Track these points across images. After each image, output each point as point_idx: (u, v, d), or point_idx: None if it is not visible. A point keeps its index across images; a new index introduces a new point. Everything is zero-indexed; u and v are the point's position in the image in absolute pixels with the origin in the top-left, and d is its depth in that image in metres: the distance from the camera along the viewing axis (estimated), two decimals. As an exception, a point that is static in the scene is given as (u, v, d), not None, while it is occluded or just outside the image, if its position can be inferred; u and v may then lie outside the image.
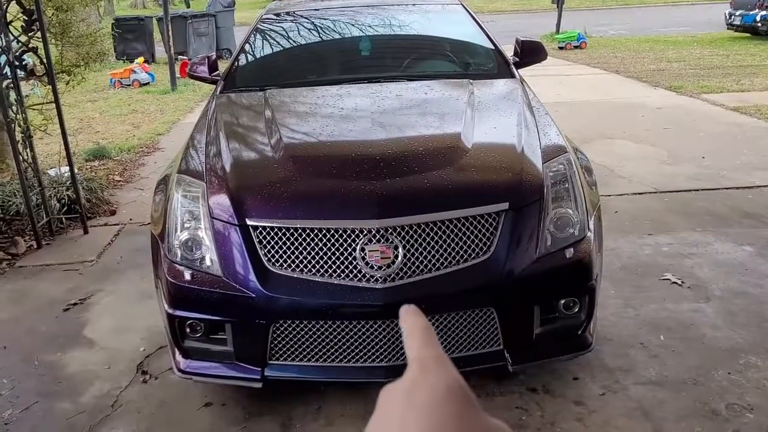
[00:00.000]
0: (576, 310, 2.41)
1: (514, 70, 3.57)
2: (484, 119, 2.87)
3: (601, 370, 2.71)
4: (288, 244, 2.25)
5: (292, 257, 2.25)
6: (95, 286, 3.71)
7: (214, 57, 3.95)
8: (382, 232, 2.21)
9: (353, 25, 4.11)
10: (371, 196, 2.26)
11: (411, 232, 2.23)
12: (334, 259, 2.22)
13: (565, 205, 2.43)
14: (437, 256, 2.24)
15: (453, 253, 2.25)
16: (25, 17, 4.10)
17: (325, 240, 2.23)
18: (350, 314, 2.23)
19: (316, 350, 2.30)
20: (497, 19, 21.12)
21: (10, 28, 4.07)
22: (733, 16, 13.74)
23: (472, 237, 2.26)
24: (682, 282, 3.42)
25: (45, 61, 4.21)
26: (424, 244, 2.23)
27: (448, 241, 2.25)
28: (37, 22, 4.10)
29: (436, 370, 0.43)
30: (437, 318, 2.28)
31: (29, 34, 4.16)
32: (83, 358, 3.00)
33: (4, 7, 3.97)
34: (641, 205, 4.56)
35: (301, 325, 2.27)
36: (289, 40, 4.05)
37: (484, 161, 2.55)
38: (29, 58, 4.27)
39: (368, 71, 3.78)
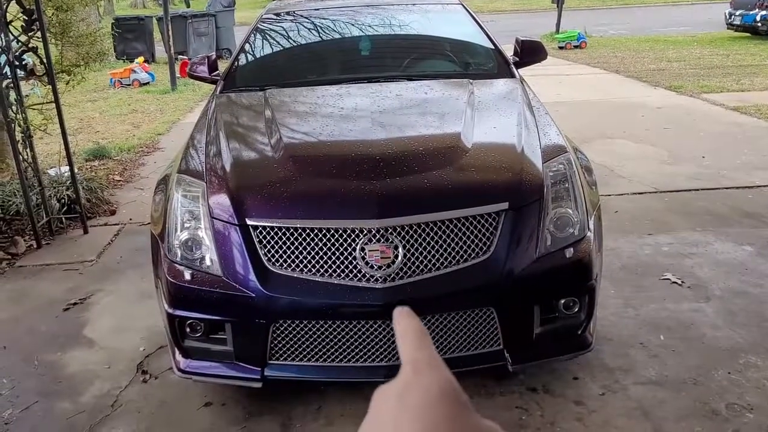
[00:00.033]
0: (576, 309, 2.41)
1: (514, 69, 3.57)
2: (484, 119, 2.87)
3: (601, 370, 2.71)
4: (288, 243, 2.25)
5: (292, 257, 2.25)
6: (95, 285, 3.71)
7: (214, 57, 3.95)
8: (382, 231, 2.21)
9: (353, 24, 4.11)
10: (371, 196, 2.26)
11: (411, 232, 2.23)
12: (334, 258, 2.22)
13: (565, 204, 2.43)
14: (437, 256, 2.24)
15: (453, 253, 2.25)
16: (25, 17, 4.10)
17: (325, 240, 2.23)
18: (350, 314, 2.23)
19: (316, 350, 2.30)
20: (497, 18, 21.11)
21: (10, 27, 4.07)
22: (733, 16, 13.74)
23: (472, 237, 2.26)
24: (682, 282, 3.42)
25: (45, 60, 4.21)
26: (424, 244, 2.23)
27: (448, 240, 2.25)
28: (37, 22, 4.10)
29: (429, 372, 0.43)
30: (437, 318, 2.28)
31: (29, 34, 4.16)
32: (83, 358, 3.00)
33: (4, 6, 3.97)
34: (641, 205, 4.56)
35: (301, 325, 2.27)
36: (289, 40, 4.05)
37: (484, 161, 2.55)
38: (29, 58, 4.27)
39: (368, 71, 3.78)
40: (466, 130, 2.67)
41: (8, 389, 2.79)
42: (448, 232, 2.25)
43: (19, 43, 4.17)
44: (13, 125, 4.09)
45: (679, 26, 16.94)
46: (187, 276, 2.34)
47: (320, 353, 2.31)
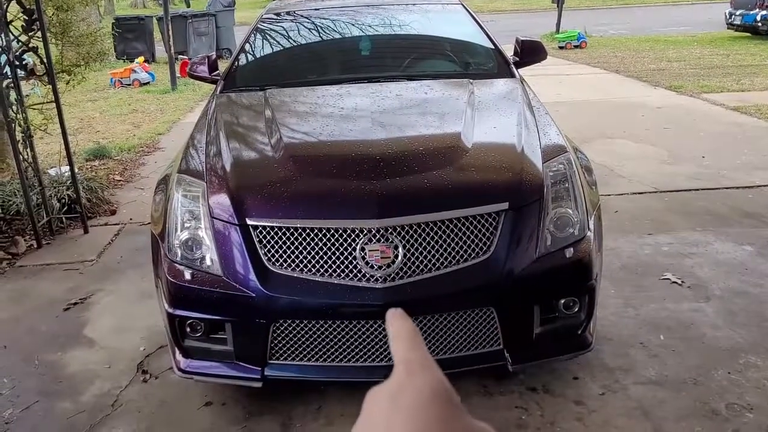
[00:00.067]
0: (576, 309, 2.41)
1: (514, 69, 3.57)
2: (484, 119, 2.87)
3: (601, 370, 2.71)
4: (288, 243, 2.25)
5: (292, 257, 2.25)
6: (95, 285, 3.71)
7: (214, 56, 3.95)
8: (382, 231, 2.21)
9: (353, 24, 4.11)
10: (371, 196, 2.27)
11: (411, 232, 2.23)
12: (334, 258, 2.22)
13: (565, 204, 2.43)
14: (437, 256, 2.24)
15: (453, 253, 2.25)
16: (25, 17, 4.10)
17: (325, 240, 2.23)
18: (350, 314, 2.23)
19: (316, 350, 2.30)
20: (497, 18, 21.11)
21: (11, 27, 4.07)
22: (733, 16, 13.74)
23: (472, 237, 2.27)
24: (682, 281, 3.42)
25: (45, 60, 4.22)
26: (424, 244, 2.23)
27: (448, 240, 2.25)
28: (38, 22, 4.10)
29: (422, 373, 0.43)
30: (437, 317, 2.28)
31: (29, 34, 4.16)
32: (83, 358, 3.00)
33: (5, 6, 3.97)
34: (641, 205, 4.56)
35: (301, 325, 2.27)
36: (289, 40, 4.05)
37: (484, 161, 2.55)
38: (29, 58, 4.27)
39: (368, 71, 3.78)
40: (467, 130, 2.67)
41: (9, 389, 2.79)
42: (448, 232, 2.25)
43: (20, 43, 4.17)
44: (13, 125, 4.10)
45: (680, 26, 16.93)
46: (188, 276, 2.34)
47: (320, 353, 2.31)
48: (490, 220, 2.29)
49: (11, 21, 4.09)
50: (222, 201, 2.39)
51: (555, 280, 2.38)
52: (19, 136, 4.17)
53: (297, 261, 2.24)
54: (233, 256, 2.30)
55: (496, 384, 2.63)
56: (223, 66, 4.07)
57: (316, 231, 2.24)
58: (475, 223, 2.27)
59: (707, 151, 5.78)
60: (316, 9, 4.23)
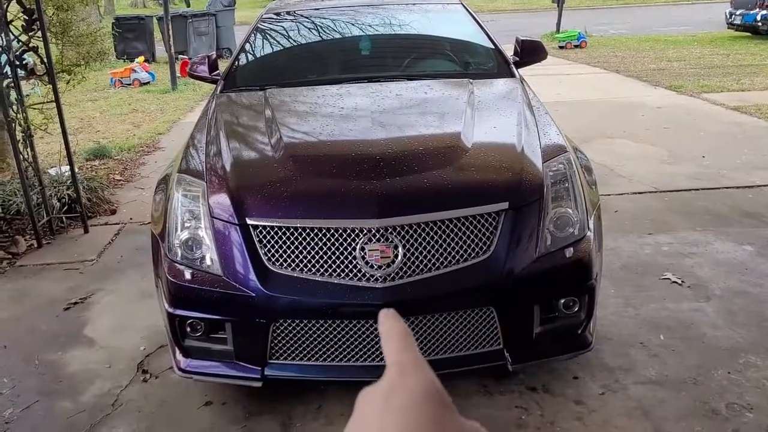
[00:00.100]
0: (576, 309, 2.41)
1: (514, 69, 3.57)
2: (484, 119, 2.87)
3: (601, 370, 2.71)
4: (288, 243, 2.26)
5: (292, 256, 2.25)
6: (96, 285, 3.71)
7: (214, 56, 3.95)
8: (382, 231, 2.21)
9: (353, 24, 4.11)
10: (371, 196, 2.27)
11: (411, 232, 2.23)
12: (334, 258, 2.22)
13: (564, 204, 2.43)
14: (437, 256, 2.24)
15: (453, 253, 2.25)
16: (25, 16, 4.10)
17: (325, 239, 2.24)
18: (350, 313, 2.23)
19: (316, 349, 2.31)
20: (497, 18, 21.11)
21: (11, 27, 4.07)
22: (733, 16, 13.74)
23: (472, 236, 2.27)
24: (682, 281, 3.42)
25: (45, 60, 4.22)
26: (424, 244, 2.23)
27: (448, 240, 2.25)
28: (38, 22, 4.10)
29: (414, 374, 0.44)
30: (437, 317, 2.28)
31: (30, 34, 4.16)
32: (84, 357, 3.01)
33: (5, 6, 3.97)
34: (641, 205, 4.56)
35: (301, 325, 2.27)
36: (290, 40, 4.05)
37: (484, 161, 2.55)
38: (30, 58, 4.27)
39: (368, 71, 3.78)
40: (466, 130, 2.67)
41: (9, 388, 2.79)
42: (448, 231, 2.25)
43: (20, 43, 4.17)
44: (13, 125, 4.10)
45: (680, 26, 16.93)
46: (188, 275, 2.34)
47: (320, 352, 2.31)
48: (490, 219, 2.29)
49: (11, 21, 4.09)
50: (222, 201, 2.39)
51: (555, 280, 2.38)
52: (19, 135, 4.17)
53: (297, 261, 2.25)
54: (233, 256, 2.30)
55: (496, 384, 2.63)
56: (223, 66, 4.07)
57: (316, 231, 2.24)
58: (475, 222, 2.27)
59: (707, 150, 5.78)
60: (316, 9, 4.23)
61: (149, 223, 2.92)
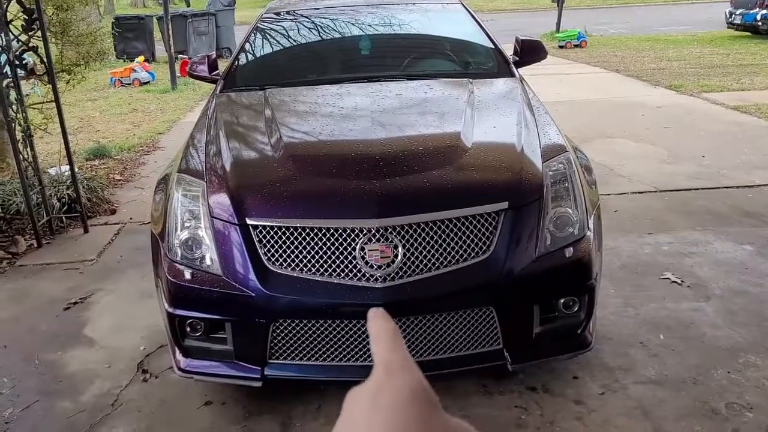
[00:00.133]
0: (575, 309, 2.41)
1: (514, 69, 3.57)
2: (484, 118, 2.87)
3: (601, 369, 2.71)
4: (288, 243, 2.26)
5: (292, 256, 2.25)
6: (95, 285, 3.71)
7: (214, 56, 3.95)
8: (381, 231, 2.21)
9: (353, 24, 4.11)
10: (371, 196, 2.27)
11: (411, 232, 2.23)
12: (333, 258, 2.22)
13: (564, 204, 2.43)
14: (437, 256, 2.24)
15: (453, 253, 2.25)
16: (25, 16, 4.10)
17: (324, 239, 2.24)
18: (350, 313, 2.23)
19: (316, 349, 2.31)
20: (497, 17, 21.10)
21: (11, 27, 4.07)
22: (733, 15, 13.74)
23: (472, 236, 2.27)
24: (682, 281, 3.42)
25: (45, 60, 4.21)
26: (423, 244, 2.23)
27: (448, 240, 2.25)
28: (38, 21, 4.10)
29: (401, 374, 0.44)
30: (437, 317, 2.28)
31: (29, 33, 4.16)
32: (83, 357, 3.01)
33: (5, 6, 3.97)
34: (641, 204, 4.56)
35: (301, 324, 2.27)
36: (289, 40, 4.05)
37: (484, 160, 2.55)
38: (29, 57, 4.27)
39: (368, 70, 3.78)
40: (466, 130, 2.67)
41: (9, 388, 2.79)
42: (447, 231, 2.25)
43: (20, 43, 4.17)
44: (13, 124, 4.10)
45: (680, 25, 16.93)
46: (187, 275, 2.34)
47: (320, 352, 2.31)
48: (490, 219, 2.29)
49: (11, 20, 4.09)
50: (222, 200, 2.39)
51: (555, 280, 2.38)
52: (19, 135, 4.17)
53: (297, 260, 2.25)
54: (233, 256, 2.30)
55: (495, 383, 2.63)
56: (222, 65, 4.07)
57: (315, 230, 2.24)
58: (474, 222, 2.27)
59: (707, 150, 5.78)
60: (315, 8, 4.23)
61: (149, 222, 2.92)
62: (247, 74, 3.74)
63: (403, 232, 2.22)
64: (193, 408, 2.61)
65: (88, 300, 3.54)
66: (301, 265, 2.24)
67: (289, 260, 2.25)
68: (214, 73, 3.82)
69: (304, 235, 2.25)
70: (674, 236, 3.98)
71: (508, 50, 3.85)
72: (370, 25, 4.10)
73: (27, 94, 4.86)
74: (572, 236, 2.38)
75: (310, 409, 2.54)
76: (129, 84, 10.82)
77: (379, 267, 2.20)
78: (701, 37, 14.21)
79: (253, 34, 3.97)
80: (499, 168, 2.49)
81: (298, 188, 2.42)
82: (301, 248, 2.25)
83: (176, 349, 2.46)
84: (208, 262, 2.34)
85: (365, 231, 2.21)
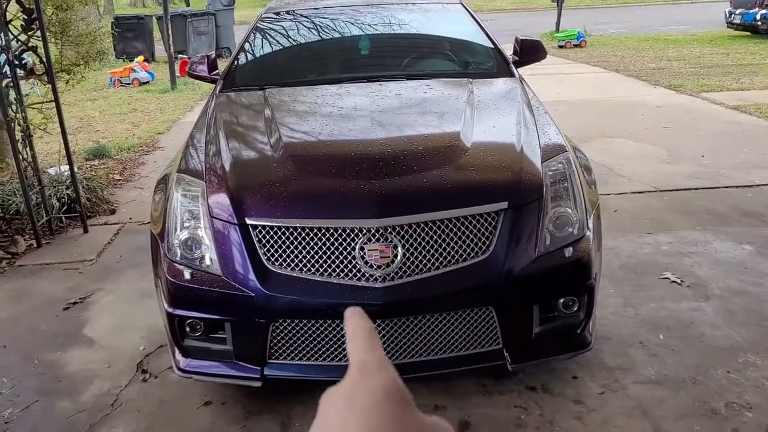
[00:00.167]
0: (575, 309, 2.41)
1: (514, 69, 3.57)
2: (484, 118, 2.87)
3: (601, 369, 2.72)
4: (287, 243, 2.26)
5: (292, 256, 2.25)
6: (95, 285, 3.71)
7: (213, 56, 3.95)
8: (381, 231, 2.21)
9: (353, 24, 4.11)
10: (371, 196, 2.27)
11: (410, 232, 2.23)
12: (333, 258, 2.22)
13: (564, 204, 2.43)
14: (436, 255, 2.24)
15: (452, 253, 2.25)
16: (24, 16, 4.10)
17: (324, 239, 2.24)
18: (350, 313, 2.23)
19: (316, 349, 2.31)
20: (497, 17, 21.10)
21: (10, 26, 4.07)
22: (733, 15, 13.74)
23: (472, 236, 2.27)
24: (682, 281, 3.42)
25: (44, 59, 4.21)
26: (423, 243, 2.23)
27: (448, 240, 2.25)
28: (37, 21, 4.09)
29: (376, 373, 0.44)
30: (436, 317, 2.28)
31: (29, 33, 4.15)
32: (83, 357, 3.01)
33: (4, 5, 3.97)
34: (641, 204, 4.57)
35: (301, 324, 2.27)
36: (289, 39, 4.05)
37: (484, 160, 2.56)
38: (29, 57, 4.27)
39: (368, 70, 3.78)
40: (466, 130, 2.67)
41: (8, 388, 2.79)
42: (447, 231, 2.25)
43: (19, 42, 4.17)
44: (12, 124, 4.09)
45: (679, 25, 16.94)
46: (187, 275, 2.34)
47: (320, 352, 2.31)
48: (490, 219, 2.29)
49: (11, 20, 4.09)
50: (221, 200, 2.39)
51: (554, 280, 2.38)
52: (18, 135, 4.17)
53: (296, 260, 2.25)
54: (233, 256, 2.30)
55: (495, 383, 2.63)
56: (222, 65, 4.07)
57: (315, 230, 2.24)
58: (474, 222, 2.27)
59: (707, 150, 5.78)
60: (315, 8, 4.22)
61: (149, 222, 2.92)
62: (246, 74, 3.74)
63: (402, 232, 2.22)
64: (192, 408, 2.61)
65: (87, 300, 3.54)
66: (300, 265, 2.24)
67: (288, 260, 2.25)
68: (214, 72, 3.82)
69: (303, 235, 2.25)
70: (674, 236, 3.99)
71: (508, 50, 3.85)
72: (369, 25, 4.10)
73: (26, 94, 4.86)
74: (572, 236, 2.38)
75: (309, 409, 2.54)
76: (128, 84, 10.82)
77: (379, 267, 2.20)
78: (701, 37, 14.21)
79: (252, 34, 3.97)
80: (499, 168, 2.49)
81: (298, 188, 2.42)
82: (300, 248, 2.25)
83: (176, 349, 2.46)
84: (207, 262, 2.33)
85: (365, 231, 2.21)
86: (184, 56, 12.48)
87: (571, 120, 6.61)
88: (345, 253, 2.22)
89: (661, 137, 6.27)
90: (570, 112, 7.26)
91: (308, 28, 4.02)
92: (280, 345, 2.31)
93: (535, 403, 2.53)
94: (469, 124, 2.73)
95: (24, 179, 4.08)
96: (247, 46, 3.90)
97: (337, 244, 2.23)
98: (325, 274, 2.22)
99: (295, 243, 2.25)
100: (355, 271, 2.21)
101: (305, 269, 2.24)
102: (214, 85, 3.65)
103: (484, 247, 2.27)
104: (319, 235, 2.24)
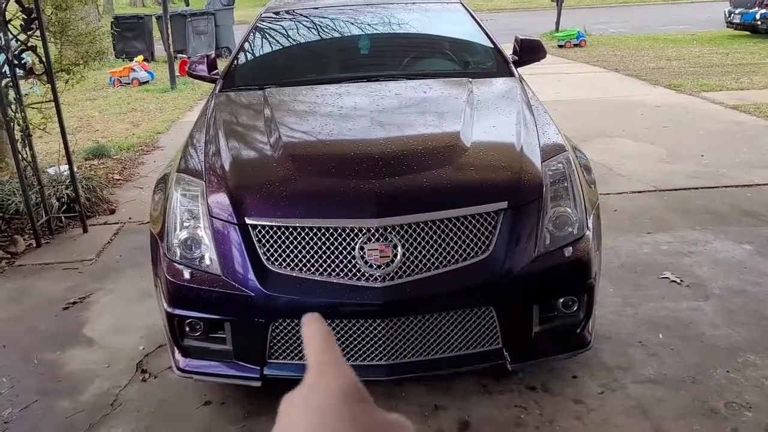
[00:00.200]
0: (575, 308, 2.41)
1: (514, 68, 3.57)
2: (483, 118, 2.87)
3: (600, 369, 2.72)
4: (287, 242, 2.25)
5: (291, 256, 2.25)
6: (95, 284, 3.71)
7: (213, 55, 3.95)
8: (381, 231, 2.21)
9: (353, 23, 4.11)
10: (370, 195, 2.26)
11: (410, 231, 2.23)
12: (333, 257, 2.22)
13: (563, 203, 2.43)
14: (436, 255, 2.24)
15: (452, 252, 2.25)
16: (24, 16, 4.10)
17: (324, 239, 2.24)
18: (349, 313, 2.23)
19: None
20: (496, 17, 21.11)
21: (9, 26, 4.07)
22: (732, 15, 13.74)
23: (471, 236, 2.27)
24: (681, 280, 3.42)
25: (44, 59, 4.21)
26: (423, 243, 2.23)
27: (447, 240, 2.25)
28: (36, 21, 4.09)
29: (333, 374, 0.45)
30: (436, 317, 2.28)
31: (28, 33, 4.15)
32: (83, 357, 3.00)
33: (3, 5, 3.96)
34: (640, 204, 4.57)
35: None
36: (289, 39, 4.05)
37: (483, 160, 2.55)
38: (28, 57, 4.27)
39: (367, 70, 3.78)
40: (466, 129, 2.67)
41: (8, 388, 2.79)
42: (447, 231, 2.25)
43: (18, 42, 4.16)
44: (12, 124, 4.09)
45: (679, 24, 16.94)
46: (187, 275, 2.34)
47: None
48: (489, 219, 2.29)
49: (10, 20, 4.09)
50: (221, 200, 2.39)
51: (554, 279, 2.38)
52: (18, 135, 4.17)
53: (296, 260, 2.24)
54: (232, 256, 2.30)
55: (495, 383, 2.63)
56: (222, 65, 4.07)
57: (315, 230, 2.24)
58: (474, 222, 2.27)
59: (706, 149, 5.78)
60: (315, 8, 4.22)
61: (148, 222, 2.92)
62: (246, 74, 3.74)
63: (402, 232, 2.22)
64: (192, 408, 2.60)
65: (87, 300, 3.54)
66: (300, 265, 2.24)
67: (288, 260, 2.25)
68: (213, 72, 3.82)
69: (303, 234, 2.25)
70: (673, 235, 3.99)
71: (508, 50, 3.85)
72: (369, 25, 4.09)
73: (26, 94, 4.85)
74: (571, 236, 2.38)
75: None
76: (128, 83, 10.82)
77: (379, 267, 2.20)
78: (700, 37, 14.21)
79: (252, 34, 3.97)
80: (499, 167, 2.49)
81: (298, 188, 2.42)
82: (300, 248, 2.24)
83: (175, 348, 2.45)
84: (207, 261, 2.33)
85: (364, 231, 2.21)
86: (184, 56, 12.47)
87: (571, 119, 6.61)
88: (345, 253, 2.22)
89: (660, 137, 6.27)
90: (570, 111, 7.26)
91: (308, 28, 4.02)
92: (279, 345, 2.31)
93: (535, 402, 2.53)
94: (469, 124, 2.73)
95: (23, 179, 4.08)
96: (246, 45, 3.90)
97: (336, 244, 2.23)
98: (325, 273, 2.22)
99: (295, 243, 2.25)
100: (354, 270, 2.21)
101: (305, 269, 2.24)
102: (213, 85, 3.65)
103: (483, 247, 2.27)
104: (319, 234, 2.24)
